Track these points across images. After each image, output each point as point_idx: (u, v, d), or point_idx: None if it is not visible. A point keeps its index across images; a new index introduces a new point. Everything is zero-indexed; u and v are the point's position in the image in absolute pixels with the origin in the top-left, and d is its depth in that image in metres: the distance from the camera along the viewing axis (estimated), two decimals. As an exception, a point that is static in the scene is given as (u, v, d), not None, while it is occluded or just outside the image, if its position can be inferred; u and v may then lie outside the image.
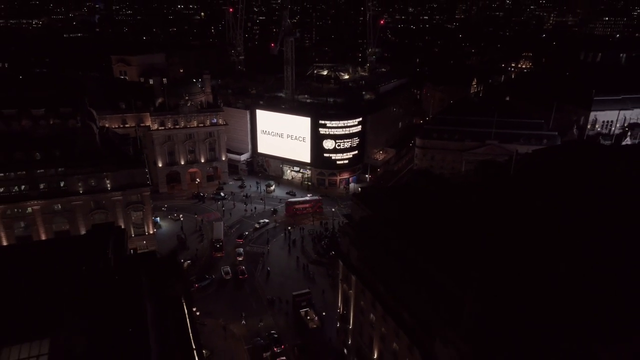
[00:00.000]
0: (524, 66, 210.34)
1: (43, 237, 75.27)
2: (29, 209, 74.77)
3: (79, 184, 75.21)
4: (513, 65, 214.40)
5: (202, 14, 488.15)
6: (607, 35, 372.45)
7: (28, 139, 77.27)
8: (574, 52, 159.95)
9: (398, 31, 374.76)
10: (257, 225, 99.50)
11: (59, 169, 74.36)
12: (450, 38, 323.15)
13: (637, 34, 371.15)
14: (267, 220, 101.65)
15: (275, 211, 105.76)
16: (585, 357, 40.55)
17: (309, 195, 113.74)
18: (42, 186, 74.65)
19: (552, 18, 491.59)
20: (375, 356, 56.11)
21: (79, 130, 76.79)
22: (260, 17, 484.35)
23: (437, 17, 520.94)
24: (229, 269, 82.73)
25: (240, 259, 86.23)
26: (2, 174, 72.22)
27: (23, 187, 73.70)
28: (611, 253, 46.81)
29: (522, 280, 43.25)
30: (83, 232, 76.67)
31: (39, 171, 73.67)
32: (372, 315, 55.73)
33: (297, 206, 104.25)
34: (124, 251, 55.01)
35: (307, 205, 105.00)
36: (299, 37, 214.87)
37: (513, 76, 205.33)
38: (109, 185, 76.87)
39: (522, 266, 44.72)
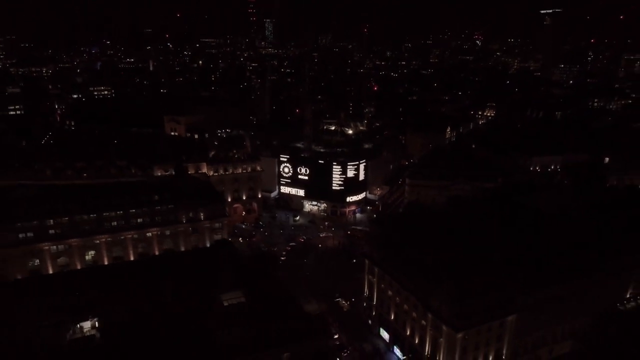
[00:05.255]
0: (488, 114, 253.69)
1: (156, 253, 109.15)
2: (149, 234, 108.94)
3: (183, 216, 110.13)
4: (480, 113, 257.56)
5: (200, 62, 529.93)
6: (563, 81, 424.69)
7: (145, 185, 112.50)
8: (524, 109, 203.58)
9: (380, 79, 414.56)
10: (323, 235, 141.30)
11: (170, 206, 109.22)
12: (426, 85, 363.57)
13: (588, 80, 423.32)
14: (330, 234, 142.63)
15: (349, 232, 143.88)
16: (510, 302, 77.27)
17: (325, 223, 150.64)
18: (157, 218, 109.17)
19: (516, 63, 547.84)
20: (392, 317, 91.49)
21: (186, 179, 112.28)
22: (253, 64, 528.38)
23: (414, 62, 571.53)
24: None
25: (288, 248, 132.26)
26: (133, 210, 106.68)
27: (145, 219, 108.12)
28: (524, 246, 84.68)
29: (475, 259, 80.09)
30: (182, 249, 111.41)
31: (156, 208, 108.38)
32: (389, 292, 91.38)
33: (355, 232, 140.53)
34: (238, 252, 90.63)
35: (363, 233, 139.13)
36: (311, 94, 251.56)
37: (480, 122, 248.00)
38: (202, 216, 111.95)
39: (475, 253, 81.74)
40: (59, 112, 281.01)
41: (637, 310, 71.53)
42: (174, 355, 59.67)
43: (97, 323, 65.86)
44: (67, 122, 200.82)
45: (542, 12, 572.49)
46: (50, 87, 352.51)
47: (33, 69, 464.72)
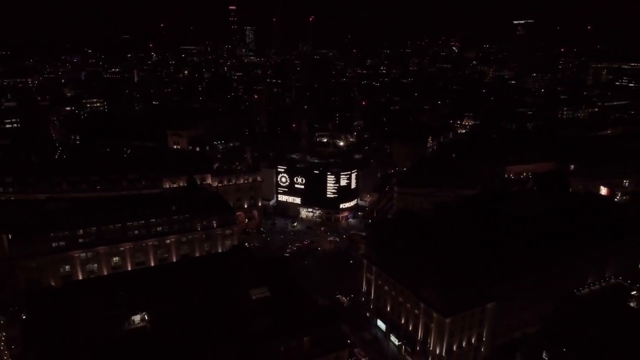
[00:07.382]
0: (466, 123, 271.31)
1: (174, 259, 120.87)
2: (168, 241, 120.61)
3: (198, 224, 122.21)
4: (459, 122, 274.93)
5: (186, 72, 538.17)
6: (535, 89, 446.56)
7: (162, 197, 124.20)
8: (499, 119, 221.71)
9: (362, 88, 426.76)
10: (330, 239, 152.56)
11: (186, 215, 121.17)
12: (407, 94, 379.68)
13: (559, 87, 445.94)
14: (337, 239, 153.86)
15: (344, 236, 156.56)
16: (490, 291, 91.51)
17: (321, 228, 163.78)
18: (175, 227, 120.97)
19: (491, 72, 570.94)
20: (389, 309, 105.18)
21: (199, 190, 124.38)
22: (238, 73, 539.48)
23: (394, 71, 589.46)
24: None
25: (294, 248, 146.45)
26: (153, 220, 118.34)
27: (164, 227, 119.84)
28: (497, 243, 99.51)
29: (460, 257, 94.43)
30: (197, 255, 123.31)
31: (174, 217, 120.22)
32: (386, 287, 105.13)
33: (355, 237, 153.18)
34: (252, 255, 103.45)
35: (361, 237, 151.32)
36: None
37: (459, 132, 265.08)
38: (215, 224, 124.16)
39: (460, 251, 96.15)
40: (51, 124, 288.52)
41: (591, 295, 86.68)
42: (214, 341, 72.00)
43: (146, 316, 77.92)
44: (72, 137, 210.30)
45: (515, 22, 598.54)
46: (39, 98, 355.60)
47: (18, 80, 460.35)
